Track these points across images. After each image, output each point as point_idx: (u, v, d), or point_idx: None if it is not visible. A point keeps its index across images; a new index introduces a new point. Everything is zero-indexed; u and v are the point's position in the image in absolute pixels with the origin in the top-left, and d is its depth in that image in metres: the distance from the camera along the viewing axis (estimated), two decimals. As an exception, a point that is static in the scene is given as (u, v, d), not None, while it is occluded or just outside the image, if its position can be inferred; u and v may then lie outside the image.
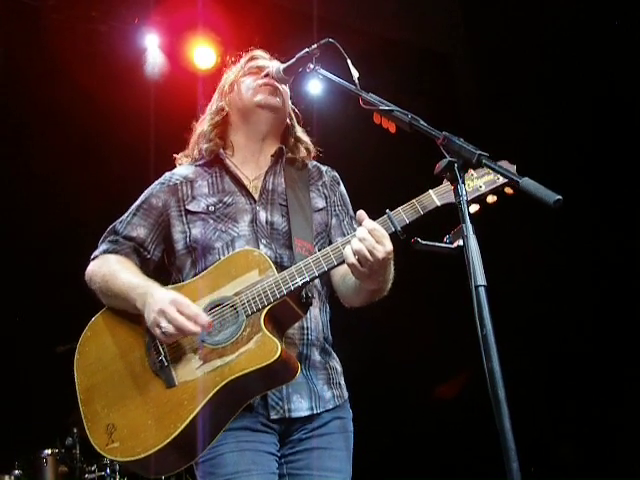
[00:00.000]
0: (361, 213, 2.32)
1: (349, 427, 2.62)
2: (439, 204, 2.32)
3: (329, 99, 6.55)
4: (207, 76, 6.26)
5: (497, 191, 2.34)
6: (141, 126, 6.08)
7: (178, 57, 6.43)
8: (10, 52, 5.95)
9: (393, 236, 2.30)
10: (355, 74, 2.31)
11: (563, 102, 6.46)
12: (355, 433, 2.64)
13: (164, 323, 2.32)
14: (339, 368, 2.68)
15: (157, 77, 6.30)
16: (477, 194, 2.32)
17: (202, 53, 6.41)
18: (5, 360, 6.29)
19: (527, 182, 1.84)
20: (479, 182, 2.33)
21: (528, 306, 6.98)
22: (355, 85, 2.30)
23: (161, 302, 2.35)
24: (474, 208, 2.32)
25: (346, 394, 2.65)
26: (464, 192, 1.94)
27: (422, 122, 2.11)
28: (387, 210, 2.34)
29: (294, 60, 2.51)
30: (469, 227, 1.91)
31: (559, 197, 1.78)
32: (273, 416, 2.43)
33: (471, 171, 2.33)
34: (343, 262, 2.32)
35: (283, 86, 2.71)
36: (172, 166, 2.88)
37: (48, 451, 5.89)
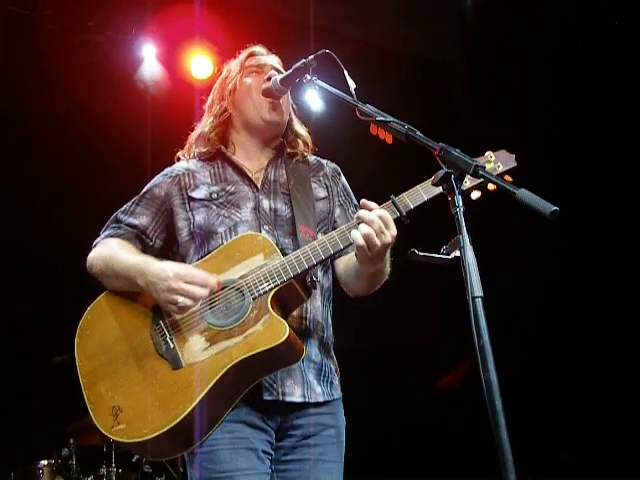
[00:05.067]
0: (365, 201, 2.35)
1: (342, 436, 2.61)
2: (442, 190, 2.33)
3: (326, 109, 6.58)
4: (204, 86, 6.27)
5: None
6: (138, 136, 6.08)
7: (175, 67, 6.44)
8: (6, 62, 5.95)
9: (397, 222, 2.33)
10: (352, 85, 2.32)
11: (562, 110, 6.48)
12: (351, 429, 2.64)
13: (180, 299, 2.32)
14: (333, 367, 2.66)
15: (151, 87, 6.31)
16: (478, 182, 2.35)
17: (199, 63, 6.42)
18: (1, 370, 6.27)
19: (523, 193, 1.84)
20: None
21: (526, 313, 6.98)
22: (352, 96, 2.31)
23: (166, 279, 2.35)
24: (476, 195, 2.36)
25: (337, 394, 2.63)
26: (461, 203, 1.94)
27: (419, 133, 2.12)
28: (392, 195, 2.37)
29: (291, 71, 2.53)
30: (466, 238, 1.91)
31: (555, 208, 1.78)
32: (266, 397, 2.42)
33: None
34: (349, 245, 2.36)
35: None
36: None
37: (44, 462, 5.84)
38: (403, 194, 2.39)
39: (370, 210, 2.31)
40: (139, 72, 6.37)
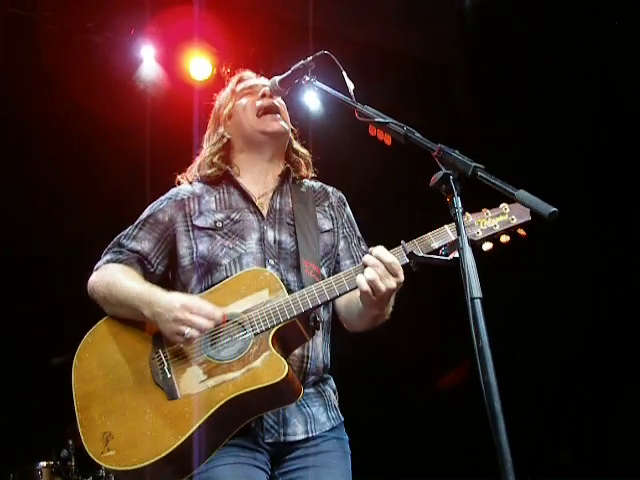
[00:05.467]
0: (374, 249, 2.34)
1: (346, 448, 2.61)
2: (454, 239, 2.33)
3: (325, 110, 6.58)
4: (203, 87, 6.27)
5: (510, 231, 2.39)
6: (137, 136, 6.08)
7: (174, 68, 6.44)
8: (6, 62, 5.95)
9: (405, 267, 2.32)
10: (351, 86, 2.31)
11: (562, 110, 6.47)
12: (351, 430, 2.65)
13: (187, 330, 2.30)
14: (333, 393, 2.67)
15: (150, 88, 6.31)
16: (490, 233, 2.37)
17: (198, 64, 6.42)
18: (1, 371, 6.26)
19: (522, 194, 1.84)
20: (493, 222, 2.38)
21: (525, 314, 6.98)
22: (351, 97, 2.30)
23: (172, 310, 2.32)
24: (487, 246, 2.37)
25: (341, 417, 2.64)
26: (459, 204, 1.94)
27: (417, 134, 2.11)
28: (402, 241, 2.36)
29: (289, 72, 2.51)
30: (464, 239, 1.90)
31: (554, 209, 1.78)
32: (267, 439, 2.43)
33: (485, 210, 2.39)
34: (355, 288, 2.33)
35: (279, 99, 2.73)
36: (168, 176, 2.88)
37: (43, 463, 5.82)
38: (414, 240, 2.38)
39: (378, 256, 2.30)
40: (138, 73, 6.36)
